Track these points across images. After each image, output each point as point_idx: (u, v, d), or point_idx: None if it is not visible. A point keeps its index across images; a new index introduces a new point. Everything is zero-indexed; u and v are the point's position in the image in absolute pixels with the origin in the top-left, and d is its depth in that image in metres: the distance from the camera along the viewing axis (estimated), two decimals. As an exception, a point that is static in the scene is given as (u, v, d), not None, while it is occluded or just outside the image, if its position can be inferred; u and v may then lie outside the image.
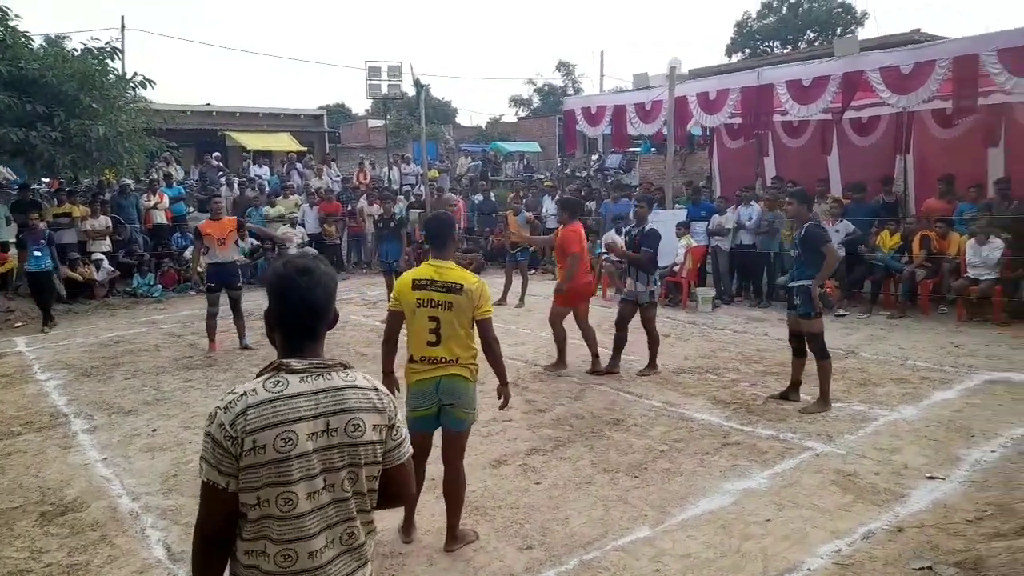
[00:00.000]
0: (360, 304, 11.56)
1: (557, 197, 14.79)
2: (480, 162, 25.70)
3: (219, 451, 1.70)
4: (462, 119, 44.37)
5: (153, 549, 3.99)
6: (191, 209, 15.42)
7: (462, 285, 3.69)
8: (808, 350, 5.98)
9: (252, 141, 22.97)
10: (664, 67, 11.05)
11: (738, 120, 11.77)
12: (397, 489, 1.91)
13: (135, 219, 13.88)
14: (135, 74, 12.63)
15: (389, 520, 3.97)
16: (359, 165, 20.42)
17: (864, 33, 34.13)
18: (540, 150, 29.41)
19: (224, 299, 8.46)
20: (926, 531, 3.88)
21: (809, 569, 3.58)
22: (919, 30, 12.84)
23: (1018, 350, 7.49)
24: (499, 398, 4.02)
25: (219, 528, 1.75)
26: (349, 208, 15.72)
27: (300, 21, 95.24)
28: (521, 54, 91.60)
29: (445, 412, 3.74)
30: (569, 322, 7.27)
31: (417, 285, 3.73)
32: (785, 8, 38.36)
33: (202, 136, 22.03)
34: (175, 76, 48.66)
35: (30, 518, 4.39)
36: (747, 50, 38.14)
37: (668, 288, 10.65)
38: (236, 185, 16.43)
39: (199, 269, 8.19)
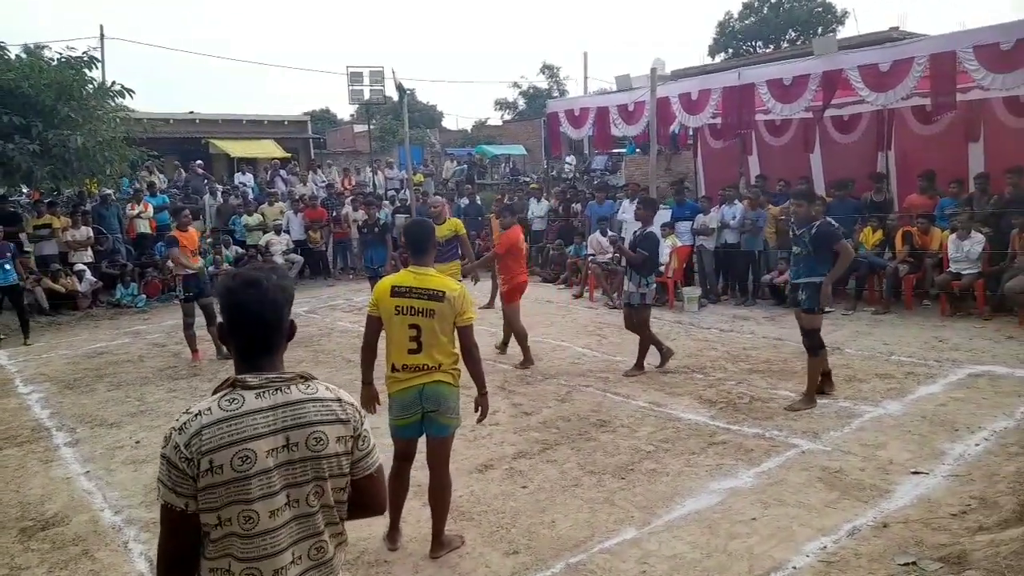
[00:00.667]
0: (347, 311, 11.51)
1: (544, 199, 14.84)
2: (466, 166, 25.67)
3: (175, 473, 1.67)
4: (448, 123, 44.48)
5: (135, 563, 3.95)
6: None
7: (444, 292, 3.66)
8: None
9: (236, 148, 22.87)
10: (647, 68, 11.05)
11: (720, 120, 11.81)
12: (368, 500, 1.88)
13: (117, 229, 13.76)
14: (113, 83, 12.50)
15: (374, 528, 3.95)
16: (343, 171, 20.40)
17: (845, 32, 34.47)
18: (526, 153, 29.44)
19: (197, 309, 8.48)
20: (911, 526, 3.90)
21: (795, 567, 3.58)
22: (897, 28, 12.97)
23: (1000, 343, 7.55)
24: (476, 410, 3.92)
25: (181, 549, 1.72)
26: (334, 214, 15.68)
27: (284, 27, 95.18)
28: (506, 57, 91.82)
29: (429, 419, 3.70)
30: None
31: (397, 292, 3.70)
32: (766, 8, 38.67)
33: (186, 144, 21.86)
34: (158, 85, 48.40)
35: (10, 534, 4.33)
36: (730, 50, 38.41)
37: (655, 288, 10.64)
38: (220, 193, 16.33)
39: (180, 273, 8.35)
